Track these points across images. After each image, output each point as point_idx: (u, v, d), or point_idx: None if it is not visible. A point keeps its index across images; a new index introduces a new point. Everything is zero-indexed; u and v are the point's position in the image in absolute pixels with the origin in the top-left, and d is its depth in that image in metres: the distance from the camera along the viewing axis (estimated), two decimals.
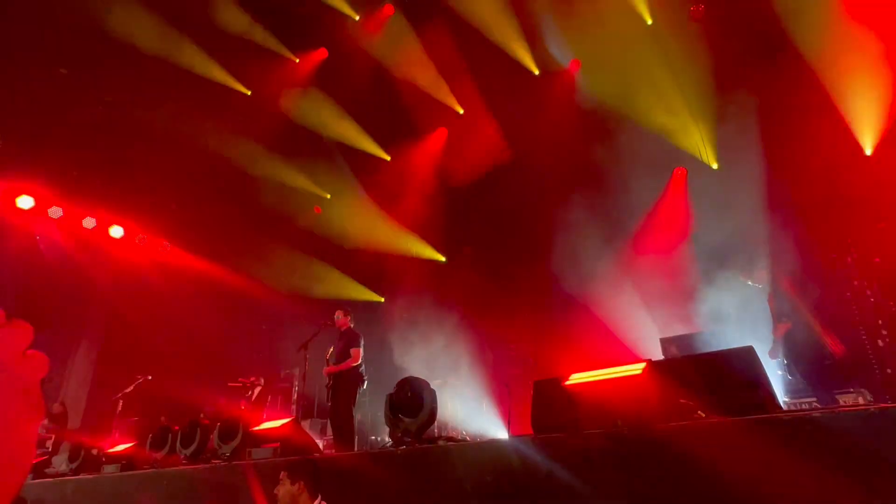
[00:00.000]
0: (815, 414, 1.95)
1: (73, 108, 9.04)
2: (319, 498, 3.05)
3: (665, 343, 6.75)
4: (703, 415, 2.41)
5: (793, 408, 4.81)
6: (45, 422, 9.10)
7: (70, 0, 7.59)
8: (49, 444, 8.50)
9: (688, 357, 2.76)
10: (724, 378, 2.47)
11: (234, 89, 9.86)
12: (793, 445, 1.97)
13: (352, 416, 6.07)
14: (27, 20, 7.75)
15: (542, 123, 9.39)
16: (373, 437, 8.42)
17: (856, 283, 6.25)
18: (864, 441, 1.87)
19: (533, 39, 9.18)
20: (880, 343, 6.07)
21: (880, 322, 6.08)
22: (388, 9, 9.50)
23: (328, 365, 6.39)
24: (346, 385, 6.13)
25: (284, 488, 3.01)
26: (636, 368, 2.48)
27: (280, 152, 10.68)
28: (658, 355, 6.11)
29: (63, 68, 8.39)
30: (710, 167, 8.28)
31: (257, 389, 8.20)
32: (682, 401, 2.45)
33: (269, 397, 7.46)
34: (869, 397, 4.45)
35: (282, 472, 3.06)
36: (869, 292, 6.18)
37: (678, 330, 7.23)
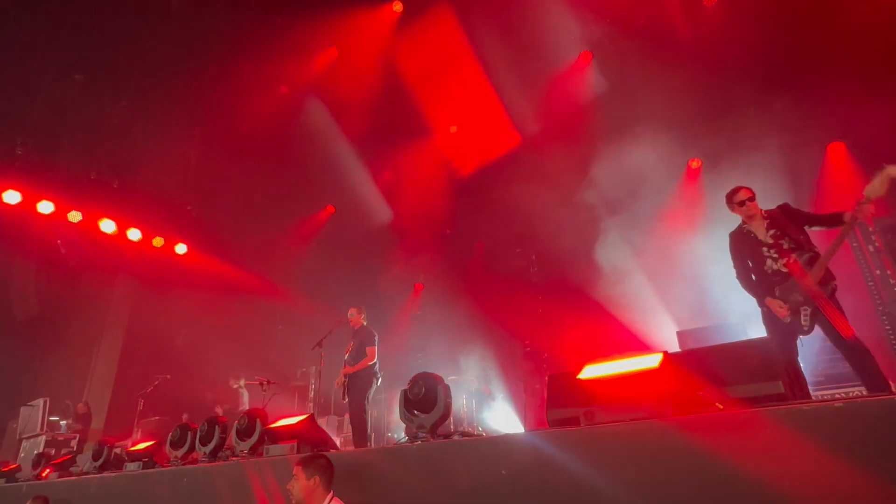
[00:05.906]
0: (838, 404, 1.90)
1: (89, 112, 9.20)
2: (332, 493, 3.04)
3: (682, 336, 6.67)
4: (721, 407, 2.36)
5: (815, 398, 4.70)
6: (70, 421, 9.30)
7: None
8: (74, 443, 8.69)
9: (705, 348, 2.70)
10: (742, 369, 2.41)
11: None
12: (815, 437, 1.92)
13: (365, 413, 6.09)
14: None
15: (551, 115, 9.30)
16: (389, 434, 8.45)
17: (878, 272, 6.09)
18: (890, 431, 1.82)
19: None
20: None
21: None
22: None
23: (345, 364, 6.41)
24: (360, 383, 6.15)
25: (300, 484, 3.01)
26: (653, 361, 2.43)
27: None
28: (675, 348, 6.04)
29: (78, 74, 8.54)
30: (726, 158, 8.11)
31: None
32: (699, 393, 2.41)
33: (270, 396, 7.58)
34: (894, 387, 4.33)
35: (296, 468, 3.06)
36: (893, 281, 6.02)
37: (695, 323, 7.15)
